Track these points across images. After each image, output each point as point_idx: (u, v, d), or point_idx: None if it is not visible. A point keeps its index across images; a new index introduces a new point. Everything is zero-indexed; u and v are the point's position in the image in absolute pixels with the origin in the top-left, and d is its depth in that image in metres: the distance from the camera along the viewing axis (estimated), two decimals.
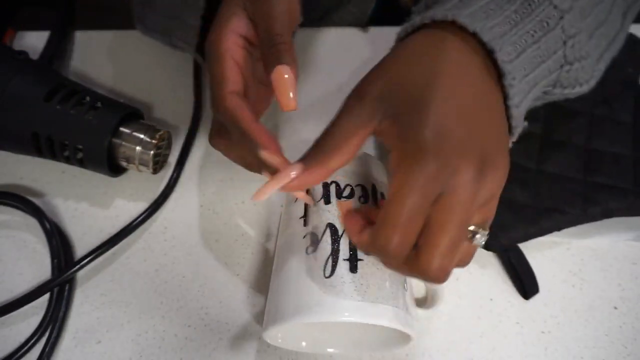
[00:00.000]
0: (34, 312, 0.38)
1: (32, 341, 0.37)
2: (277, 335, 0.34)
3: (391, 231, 0.26)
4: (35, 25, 0.52)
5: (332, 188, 0.34)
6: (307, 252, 0.32)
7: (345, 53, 0.52)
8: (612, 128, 0.41)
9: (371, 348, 0.36)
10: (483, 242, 0.28)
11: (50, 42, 0.50)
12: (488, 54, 0.29)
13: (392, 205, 0.26)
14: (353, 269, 0.30)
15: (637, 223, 0.43)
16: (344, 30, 0.54)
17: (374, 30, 0.54)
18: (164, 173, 0.44)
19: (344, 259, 0.31)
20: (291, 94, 0.30)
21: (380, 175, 0.36)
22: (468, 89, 0.28)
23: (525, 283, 0.40)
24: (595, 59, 0.34)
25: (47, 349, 0.36)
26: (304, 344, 0.36)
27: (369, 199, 0.33)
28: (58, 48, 0.51)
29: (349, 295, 0.29)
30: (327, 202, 0.33)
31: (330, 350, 0.37)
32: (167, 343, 0.38)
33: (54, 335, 0.37)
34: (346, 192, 0.33)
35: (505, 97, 0.29)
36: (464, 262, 0.29)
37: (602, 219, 0.41)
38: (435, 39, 0.29)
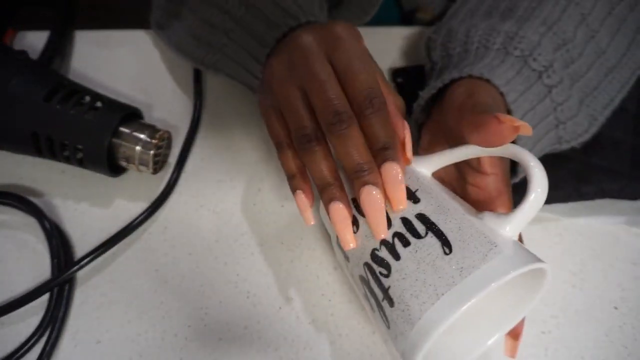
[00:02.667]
0: (34, 312, 0.38)
1: (32, 341, 0.37)
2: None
3: None
4: (35, 25, 0.52)
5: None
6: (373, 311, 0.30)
7: None
8: (615, 114, 0.42)
9: (517, 311, 0.32)
10: None
11: (50, 42, 0.50)
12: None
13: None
14: (390, 303, 0.27)
15: (629, 207, 0.43)
16: None
17: (372, 30, 0.54)
18: (164, 173, 0.44)
19: (381, 300, 0.28)
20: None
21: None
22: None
23: None
24: (602, 106, 0.41)
25: (47, 349, 0.36)
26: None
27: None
28: (58, 48, 0.51)
29: (417, 312, 0.26)
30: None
31: (489, 342, 0.32)
32: (167, 343, 0.38)
33: (53, 335, 0.37)
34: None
35: None
36: None
37: (594, 199, 0.42)
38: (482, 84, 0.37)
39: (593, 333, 0.39)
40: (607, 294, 0.40)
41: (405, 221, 0.29)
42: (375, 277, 0.29)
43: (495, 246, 0.26)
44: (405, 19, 0.59)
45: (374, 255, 0.29)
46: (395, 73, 0.50)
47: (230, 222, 0.43)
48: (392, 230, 0.29)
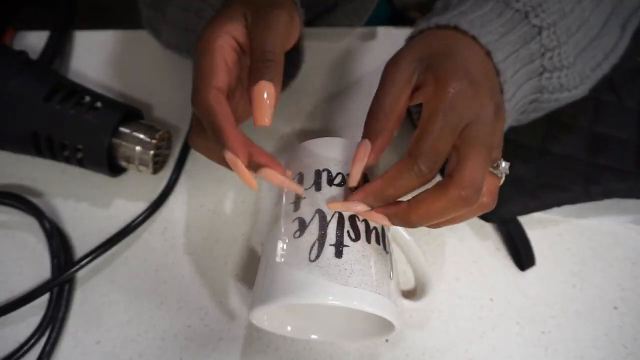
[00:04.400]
0: (34, 312, 0.38)
1: (32, 341, 0.37)
2: (263, 317, 0.34)
3: (430, 143, 0.29)
4: (35, 25, 0.52)
5: (324, 175, 0.34)
6: (294, 236, 0.32)
7: (341, 53, 0.52)
8: (618, 114, 0.42)
9: (354, 337, 0.36)
10: (507, 170, 0.32)
11: (50, 42, 0.50)
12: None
13: (432, 122, 0.29)
14: (338, 254, 0.31)
15: (635, 206, 0.43)
16: (339, 30, 0.54)
17: (370, 31, 0.54)
18: (164, 173, 0.44)
19: (330, 244, 0.31)
20: (268, 112, 0.30)
21: (372, 167, 0.36)
22: (481, 57, 0.33)
23: (522, 254, 0.40)
24: (591, 68, 0.38)
25: (47, 349, 0.37)
26: (289, 328, 0.36)
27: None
28: (58, 48, 0.51)
29: (333, 279, 0.30)
30: (318, 189, 0.33)
31: (313, 337, 0.37)
32: (167, 343, 0.38)
33: (53, 335, 0.37)
34: (337, 180, 0.34)
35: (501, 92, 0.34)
36: (491, 198, 0.32)
37: (602, 199, 0.42)
38: (447, 32, 0.34)
39: (593, 333, 0.39)
40: (607, 294, 0.40)
41: (383, 233, 0.34)
42: (340, 227, 0.32)
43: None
44: (396, 18, 0.59)
45: (353, 219, 0.32)
46: None
47: (230, 222, 0.43)
48: (379, 227, 0.34)
